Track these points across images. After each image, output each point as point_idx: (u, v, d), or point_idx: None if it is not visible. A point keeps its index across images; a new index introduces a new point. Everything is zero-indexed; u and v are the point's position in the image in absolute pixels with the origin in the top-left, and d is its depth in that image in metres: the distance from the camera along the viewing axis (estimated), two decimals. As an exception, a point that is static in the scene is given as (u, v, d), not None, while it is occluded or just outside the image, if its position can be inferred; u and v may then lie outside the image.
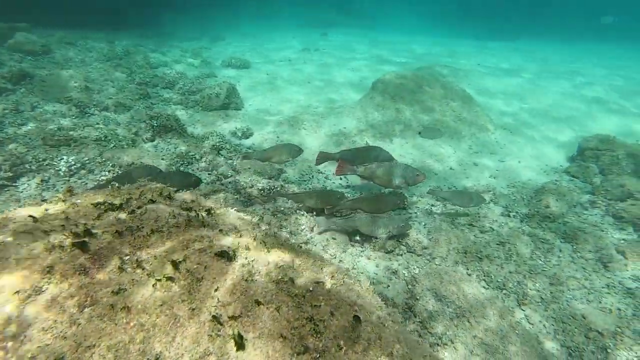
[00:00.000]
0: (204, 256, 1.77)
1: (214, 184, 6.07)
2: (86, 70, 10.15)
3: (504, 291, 4.83)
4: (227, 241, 1.93)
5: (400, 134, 8.25)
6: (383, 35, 26.58)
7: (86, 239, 1.87)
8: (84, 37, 13.33)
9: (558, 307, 4.70)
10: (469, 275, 4.85)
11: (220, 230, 2.04)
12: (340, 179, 6.78)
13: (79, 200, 2.35)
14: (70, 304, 1.55)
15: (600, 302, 4.84)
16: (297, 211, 5.53)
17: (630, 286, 5.09)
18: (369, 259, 4.92)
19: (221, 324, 1.51)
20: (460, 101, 9.28)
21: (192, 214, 2.14)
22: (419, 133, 7.27)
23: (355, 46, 20.05)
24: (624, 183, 6.93)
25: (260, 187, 5.86)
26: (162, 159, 6.61)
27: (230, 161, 6.70)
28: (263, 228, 2.28)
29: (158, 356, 1.42)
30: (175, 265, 1.72)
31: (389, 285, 4.54)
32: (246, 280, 1.68)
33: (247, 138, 7.93)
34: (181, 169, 6.49)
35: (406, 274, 4.68)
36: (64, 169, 6.05)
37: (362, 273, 4.66)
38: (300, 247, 2.31)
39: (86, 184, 5.93)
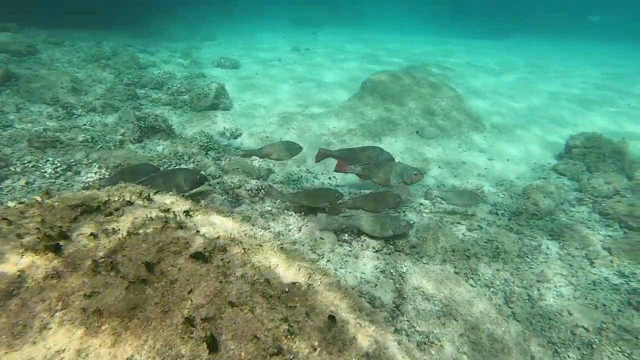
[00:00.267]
0: (179, 258, 1.75)
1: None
2: (73, 70, 10.05)
3: (492, 289, 4.85)
4: (204, 242, 1.91)
5: (389, 133, 8.26)
6: (374, 35, 26.64)
7: (60, 242, 1.84)
8: (71, 37, 13.20)
9: (545, 304, 4.73)
10: (457, 273, 4.87)
11: (198, 232, 2.02)
12: (329, 178, 6.77)
13: (56, 203, 2.32)
14: (41, 309, 1.52)
15: (586, 299, 4.88)
16: (286, 211, 5.52)
17: (615, 282, 5.14)
18: (357, 258, 4.91)
19: (194, 326, 1.49)
20: (450, 100, 9.32)
21: (170, 215, 2.12)
22: (417, 132, 7.29)
23: (345, 46, 20.07)
24: (610, 180, 7.00)
25: (248, 188, 5.83)
26: (150, 160, 6.55)
27: (218, 162, 6.66)
28: (243, 229, 2.26)
29: (129, 359, 1.40)
30: (150, 267, 1.70)
31: (376, 285, 4.54)
32: (221, 281, 1.67)
33: (236, 138, 7.89)
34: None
35: (394, 273, 4.68)
36: (49, 171, 5.98)
37: (349, 273, 4.66)
38: (281, 247, 2.29)
39: (72, 185, 5.87)
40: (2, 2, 12.83)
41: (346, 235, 5.18)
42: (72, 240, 1.90)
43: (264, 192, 5.75)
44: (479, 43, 26.48)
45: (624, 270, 5.30)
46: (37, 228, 1.97)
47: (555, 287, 5.01)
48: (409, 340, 4.02)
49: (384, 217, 5.15)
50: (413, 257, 5.04)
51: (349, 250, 5.03)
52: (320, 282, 1.83)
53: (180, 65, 13.06)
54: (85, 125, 7.52)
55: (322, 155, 6.09)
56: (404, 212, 5.99)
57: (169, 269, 1.70)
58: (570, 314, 4.62)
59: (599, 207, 6.56)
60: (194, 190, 5.44)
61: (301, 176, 6.73)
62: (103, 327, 1.48)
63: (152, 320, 1.51)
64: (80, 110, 8.18)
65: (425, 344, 3.97)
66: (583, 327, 4.46)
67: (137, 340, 1.44)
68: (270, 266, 1.85)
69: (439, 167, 7.53)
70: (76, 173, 6.09)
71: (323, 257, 4.85)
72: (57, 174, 5.96)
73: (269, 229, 5.13)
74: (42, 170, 5.90)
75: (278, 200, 5.69)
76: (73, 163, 6.19)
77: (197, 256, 1.77)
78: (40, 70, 9.29)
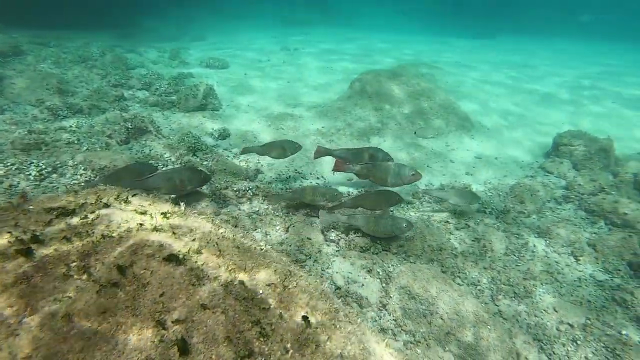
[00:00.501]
0: (152, 261, 1.73)
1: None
2: (60, 71, 9.94)
3: (478, 287, 4.88)
4: (179, 245, 1.89)
5: (378, 133, 8.27)
6: (365, 34, 26.67)
7: (32, 246, 1.81)
8: (58, 37, 13.05)
9: (531, 301, 4.77)
10: (444, 272, 4.88)
11: (174, 234, 2.00)
12: (318, 178, 6.77)
13: (31, 206, 2.29)
14: (8, 314, 1.50)
15: (572, 296, 4.92)
16: (273, 212, 5.50)
17: (600, 279, 5.19)
18: (344, 257, 4.91)
19: (165, 329, 1.48)
20: (438, 99, 9.35)
21: (146, 218, 2.10)
22: (415, 133, 7.32)
23: (336, 46, 20.06)
24: (596, 177, 7.07)
25: (235, 189, 5.81)
26: (137, 161, 6.49)
27: (205, 162, 6.62)
28: (221, 231, 2.24)
29: (97, 365, 1.38)
30: (122, 270, 1.68)
31: (363, 284, 4.54)
32: (194, 284, 1.65)
33: (224, 139, 7.85)
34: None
35: (381, 273, 4.68)
36: (34, 173, 5.90)
37: (337, 272, 4.65)
38: (262, 249, 2.28)
39: (57, 188, 5.80)
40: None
41: (333, 235, 5.17)
42: (44, 244, 1.87)
43: (251, 193, 5.73)
44: (470, 42, 26.62)
45: (608, 267, 5.36)
46: (9, 232, 1.94)
47: (542, 284, 5.04)
48: (395, 340, 4.03)
49: (384, 216, 5.17)
50: (400, 256, 5.04)
51: (336, 250, 5.03)
52: (296, 284, 1.82)
53: (169, 65, 12.98)
54: (71, 126, 7.43)
55: (321, 153, 6.16)
56: (392, 211, 5.99)
57: (142, 272, 1.68)
58: (556, 311, 4.65)
59: (585, 205, 6.62)
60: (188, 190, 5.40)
61: (289, 176, 6.71)
62: (72, 332, 1.46)
63: (123, 325, 1.49)
64: (66, 111, 8.08)
65: (411, 342, 3.98)
66: (568, 323, 4.50)
67: (107, 345, 1.42)
68: (245, 268, 1.84)
69: (427, 166, 7.55)
70: (61, 175, 6.01)
71: (310, 257, 4.84)
72: (42, 177, 5.88)
73: (256, 229, 5.11)
74: (27, 173, 5.82)
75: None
76: (58, 165, 6.11)
77: (171, 259, 1.75)
78: (26, 71, 9.17)
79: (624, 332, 4.38)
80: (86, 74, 10.09)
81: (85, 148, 6.69)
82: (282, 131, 8.17)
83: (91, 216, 2.09)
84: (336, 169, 5.98)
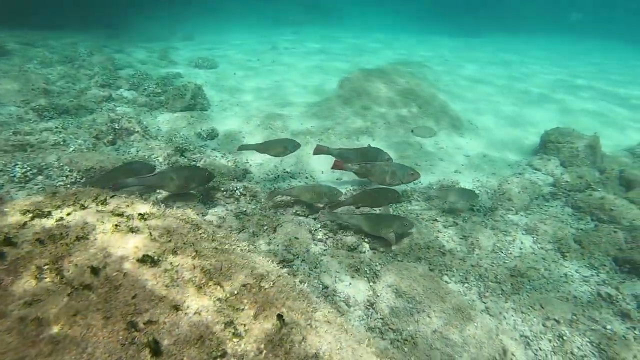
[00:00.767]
0: (126, 263, 1.71)
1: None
2: (46, 72, 9.82)
3: (466, 285, 4.89)
4: (154, 246, 1.87)
5: (366, 131, 8.28)
6: (355, 33, 26.67)
7: (4, 249, 1.79)
8: (45, 37, 12.90)
9: (518, 298, 4.79)
10: (431, 270, 4.89)
11: (150, 235, 1.98)
12: (306, 177, 6.76)
13: (6, 209, 2.25)
14: (-24, 319, 1.47)
15: (558, 291, 4.96)
16: (261, 212, 5.48)
17: (585, 274, 5.23)
18: (332, 257, 4.90)
19: (138, 331, 1.46)
20: (426, 97, 9.38)
21: (123, 219, 2.08)
22: (412, 131, 7.35)
23: (325, 45, 20.04)
24: (583, 174, 7.13)
25: (223, 189, 5.78)
26: (123, 163, 6.44)
27: (193, 163, 6.58)
28: (200, 232, 2.23)
29: (67, 369, 1.36)
30: (95, 272, 1.66)
31: (350, 283, 4.54)
32: (167, 285, 1.63)
33: (212, 139, 7.82)
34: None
35: (368, 271, 4.68)
36: (19, 174, 5.83)
37: (324, 272, 4.64)
38: (241, 249, 2.27)
39: (43, 190, 5.74)
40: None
41: (321, 234, 5.17)
42: (17, 246, 1.84)
43: (239, 193, 5.71)
44: (459, 41, 26.74)
45: (594, 263, 5.40)
46: (-18, 235, 1.91)
47: (529, 280, 5.07)
48: (382, 338, 4.03)
49: (387, 216, 5.19)
50: (388, 254, 5.05)
51: (324, 250, 5.02)
52: (273, 284, 1.81)
53: (158, 65, 12.88)
54: (57, 127, 7.35)
55: (320, 150, 6.21)
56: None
57: (114, 274, 1.66)
58: (543, 307, 4.68)
59: (572, 201, 6.67)
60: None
61: (278, 175, 6.69)
62: (41, 336, 1.44)
63: (93, 327, 1.47)
64: (52, 112, 7.99)
65: (398, 341, 3.98)
66: (554, 319, 4.52)
67: (76, 349, 1.40)
68: (221, 269, 1.82)
69: (416, 165, 7.56)
70: (47, 177, 5.95)
71: (298, 257, 4.83)
72: (27, 178, 5.82)
73: (243, 230, 5.09)
74: (11, 175, 5.75)
75: (252, 201, 5.65)
76: (44, 167, 6.05)
77: (145, 260, 1.73)
78: (11, 71, 9.06)
79: (608, 326, 4.42)
80: (73, 74, 9.98)
81: (71, 149, 6.63)
82: (270, 131, 8.14)
83: (67, 218, 2.06)
84: (335, 167, 6.01)
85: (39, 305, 1.55)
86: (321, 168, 7.06)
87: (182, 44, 17.44)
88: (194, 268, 1.77)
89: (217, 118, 8.71)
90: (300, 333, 1.60)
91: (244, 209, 5.50)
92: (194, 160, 6.67)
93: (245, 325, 1.54)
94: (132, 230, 1.98)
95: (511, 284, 4.96)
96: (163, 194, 5.69)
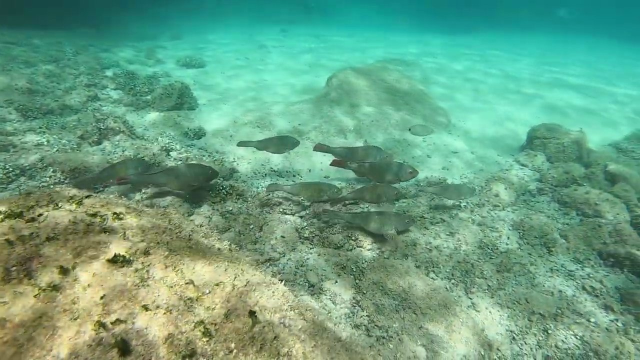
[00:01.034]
0: (95, 263, 1.68)
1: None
2: (30, 72, 9.68)
3: (452, 281, 4.91)
4: (126, 246, 1.84)
5: (354, 129, 8.27)
6: (344, 31, 26.65)
7: (-29, 251, 1.75)
8: (29, 36, 12.72)
9: (504, 293, 4.82)
10: (418, 267, 4.90)
11: (123, 235, 1.95)
12: (294, 175, 6.74)
13: (-23, 210, 2.20)
14: (-63, 323, 1.43)
15: (544, 286, 4.99)
16: (247, 210, 5.45)
17: (571, 268, 5.28)
18: (319, 255, 4.89)
19: (105, 331, 1.43)
20: (414, 94, 9.40)
21: (96, 219, 2.04)
22: (409, 129, 7.36)
23: (314, 44, 20.00)
24: (569, 169, 7.19)
25: (209, 189, 5.74)
26: (108, 163, 6.36)
27: (180, 162, 6.53)
28: (177, 231, 2.20)
29: (31, 372, 1.33)
30: (64, 273, 1.63)
31: (337, 281, 4.53)
32: (137, 285, 1.61)
33: (200, 138, 7.76)
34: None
35: (354, 269, 4.68)
36: (0, 175, 5.74)
37: (311, 270, 4.63)
38: (218, 248, 2.24)
39: (33, 192, 5.64)
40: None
41: (307, 232, 5.15)
42: (-15, 248, 1.80)
43: (225, 192, 5.67)
44: (447, 38, 26.83)
45: (579, 257, 5.45)
46: (-51, 237, 1.86)
47: (515, 276, 5.10)
48: (368, 335, 4.02)
49: (387, 214, 5.20)
50: (374, 252, 5.05)
51: (311, 248, 5.01)
52: (247, 282, 1.79)
53: (145, 64, 12.77)
54: (41, 127, 7.25)
55: (319, 149, 6.23)
56: (367, 207, 6.00)
57: (84, 274, 1.63)
58: (528, 302, 4.71)
59: (558, 196, 6.73)
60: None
61: (265, 174, 6.66)
62: (5, 339, 1.41)
63: (60, 329, 1.44)
64: (36, 112, 7.88)
65: (384, 338, 3.98)
66: (540, 313, 4.56)
67: (40, 351, 1.37)
68: (194, 267, 1.80)
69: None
70: (30, 177, 5.87)
71: (284, 255, 4.81)
72: (9, 179, 5.73)
73: (229, 229, 5.06)
74: (-7, 176, 5.66)
75: (239, 200, 5.62)
76: (27, 167, 5.96)
77: (115, 260, 1.70)
78: (-6, 72, 8.91)
79: (592, 319, 4.46)
80: (58, 74, 9.84)
81: (55, 149, 6.54)
82: (258, 129, 8.11)
83: (39, 219, 2.02)
84: (334, 165, 6.08)
85: (3, 307, 1.52)
86: (308, 166, 7.04)
87: (170, 43, 17.29)
88: (166, 267, 1.75)
89: (205, 117, 8.65)
90: (273, 331, 1.58)
91: (230, 208, 5.46)
92: (180, 160, 6.61)
93: (216, 324, 1.52)
94: (105, 230, 1.95)
95: (497, 279, 4.98)
96: (149, 192, 5.64)
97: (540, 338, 4.29)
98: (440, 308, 4.27)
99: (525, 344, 4.26)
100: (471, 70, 15.54)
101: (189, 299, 1.60)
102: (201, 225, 3.63)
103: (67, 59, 11.21)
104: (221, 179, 6.16)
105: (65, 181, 5.79)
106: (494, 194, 6.64)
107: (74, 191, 2.48)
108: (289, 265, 4.68)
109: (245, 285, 1.78)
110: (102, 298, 1.54)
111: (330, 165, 6.09)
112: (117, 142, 7.11)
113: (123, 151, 6.84)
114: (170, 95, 8.83)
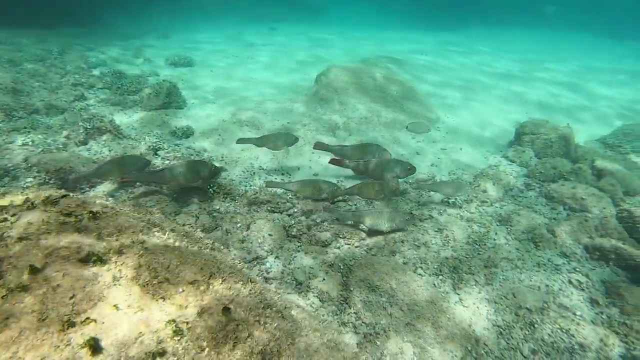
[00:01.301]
0: (67, 263, 1.65)
1: (149, 185, 5.85)
2: (15, 71, 9.55)
3: (440, 277, 4.91)
4: (99, 246, 1.82)
5: (343, 126, 8.26)
6: (332, 29, 26.61)
7: (-61, 253, 1.71)
8: (14, 35, 12.55)
9: (491, 289, 4.84)
10: (405, 264, 4.91)
11: (98, 235, 1.92)
12: (282, 174, 6.71)
13: (-50, 211, 2.16)
14: None
15: (531, 281, 5.02)
16: (234, 209, 5.42)
17: (557, 263, 5.31)
18: (306, 253, 4.88)
19: (74, 332, 1.41)
20: (403, 92, 9.41)
21: (71, 219, 2.01)
22: (406, 127, 7.38)
23: (302, 41, 19.95)
24: (556, 165, 7.24)
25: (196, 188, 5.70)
26: (95, 163, 6.30)
27: (167, 162, 6.48)
28: (154, 230, 2.17)
29: (-3, 375, 1.30)
30: (34, 272, 1.60)
31: (324, 279, 4.52)
32: (108, 286, 1.58)
33: (188, 137, 7.70)
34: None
35: (342, 267, 4.67)
36: (-18, 176, 5.67)
37: (298, 268, 4.62)
38: (199, 247, 2.22)
39: (10, 192, 5.56)
40: None
41: (295, 230, 5.13)
42: (-46, 249, 1.77)
43: (212, 191, 5.64)
44: (438, 36, 26.90)
45: (565, 251, 5.49)
46: None
47: (502, 271, 5.12)
48: (356, 333, 4.02)
49: (387, 211, 5.23)
50: (362, 249, 5.04)
51: (298, 246, 4.99)
52: (222, 281, 1.77)
53: (132, 63, 12.65)
54: (25, 128, 7.15)
55: (318, 147, 6.35)
56: (355, 204, 5.99)
57: (54, 274, 1.60)
58: (515, 297, 4.73)
59: (545, 191, 6.77)
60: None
61: (254, 173, 6.63)
62: (-30, 342, 1.37)
63: (26, 330, 1.41)
64: (21, 112, 7.77)
65: (371, 334, 3.98)
66: (526, 308, 4.58)
67: (5, 353, 1.34)
68: (169, 266, 1.78)
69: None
70: (14, 178, 5.79)
71: (272, 254, 4.80)
72: (-7, 181, 5.66)
73: (216, 228, 5.03)
74: (-25, 177, 5.58)
75: (227, 198, 5.59)
76: (11, 168, 5.88)
77: (87, 260, 1.67)
78: (-23, 72, 8.78)
79: (578, 313, 4.50)
80: (44, 73, 9.72)
81: (40, 150, 6.46)
82: (246, 128, 8.07)
83: (11, 219, 1.99)
84: (333, 163, 6.17)
85: (-29, 309, 1.48)
86: (297, 164, 7.02)
87: (158, 42, 17.14)
88: (140, 267, 1.72)
89: (193, 116, 8.59)
90: (247, 330, 1.56)
91: (218, 207, 5.43)
92: (167, 159, 6.56)
93: (188, 323, 1.50)
94: (79, 230, 1.92)
95: (485, 275, 5.00)
96: (136, 191, 5.60)
97: (527, 332, 4.32)
98: (428, 304, 4.28)
99: (512, 338, 4.28)
100: (460, 67, 15.59)
101: (161, 297, 1.58)
102: (184, 225, 3.61)
103: (53, 58, 11.07)
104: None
105: (50, 181, 5.72)
106: (482, 190, 6.66)
107: (51, 191, 2.45)
108: (276, 264, 4.67)
109: (222, 283, 1.76)
110: (71, 298, 1.51)
111: (329, 163, 6.17)
112: (103, 142, 7.03)
113: (110, 151, 6.77)
114: (158, 94, 8.75)
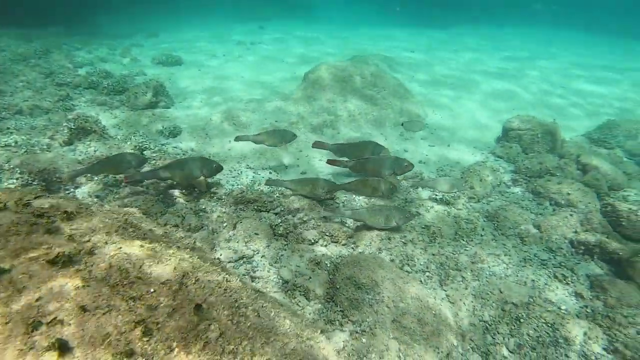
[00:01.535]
0: (34, 264, 1.62)
1: (134, 186, 5.80)
2: (-2, 71, 9.42)
3: (427, 273, 4.93)
4: (70, 247, 1.78)
5: (331, 125, 8.25)
6: (323, 27, 26.57)
7: None
8: (-3, 35, 12.38)
9: (478, 284, 4.86)
10: (392, 261, 4.91)
11: (70, 236, 1.89)
12: (270, 172, 6.69)
13: None
14: None
15: (517, 276, 5.05)
16: (221, 209, 5.39)
17: (543, 258, 5.35)
18: (293, 252, 4.86)
19: (39, 334, 1.38)
20: (392, 89, 9.41)
21: (42, 220, 1.97)
22: (402, 125, 7.38)
23: (291, 40, 19.88)
24: (542, 160, 7.29)
25: (182, 188, 5.66)
26: (80, 164, 6.23)
27: (153, 162, 6.42)
28: (130, 230, 2.14)
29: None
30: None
31: (310, 277, 4.50)
32: (77, 287, 1.56)
33: (175, 137, 7.64)
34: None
35: (328, 264, 4.67)
36: (-36, 179, 5.57)
37: (284, 267, 4.60)
38: (177, 247, 2.19)
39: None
40: None
41: (281, 229, 5.11)
42: None
43: (198, 190, 5.60)
44: (426, 33, 26.95)
45: (551, 246, 5.53)
46: None
47: (489, 267, 5.15)
48: (342, 330, 4.01)
49: (388, 208, 5.24)
50: (349, 247, 5.04)
51: (285, 245, 4.97)
52: (197, 280, 1.75)
53: (119, 63, 12.53)
54: (8, 129, 7.05)
55: (317, 146, 6.37)
56: (343, 203, 5.99)
57: (20, 276, 1.57)
58: (501, 292, 4.76)
59: (532, 187, 6.81)
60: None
61: (241, 172, 6.60)
62: None
63: (-10, 334, 1.38)
64: (4, 113, 7.67)
65: (357, 332, 3.97)
66: (512, 303, 4.61)
67: (-33, 359, 1.31)
68: (142, 266, 1.75)
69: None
70: (-4, 180, 5.70)
71: (258, 253, 4.77)
72: (-26, 182, 5.56)
73: (202, 228, 5.00)
74: (-44, 179, 5.49)
75: (214, 198, 5.56)
76: (-7, 169, 5.79)
77: (56, 261, 1.64)
78: (-41, 72, 8.64)
79: (563, 307, 4.53)
80: (28, 73, 9.59)
81: (23, 151, 6.38)
82: (234, 127, 8.02)
83: (-19, 221, 1.95)
84: (330, 164, 6.19)
85: None
86: (284, 163, 7.00)
87: (146, 41, 16.97)
88: (111, 267, 1.70)
89: (180, 115, 8.52)
90: (218, 329, 1.54)
91: (204, 207, 5.39)
92: (153, 159, 6.50)
93: (158, 323, 1.48)
94: (49, 231, 1.89)
95: (471, 270, 5.02)
96: (121, 192, 5.56)
97: (513, 327, 4.34)
98: (414, 301, 4.28)
99: (498, 333, 4.30)
100: (449, 65, 15.65)
101: (131, 298, 1.55)
102: (166, 224, 3.57)
103: (37, 57, 10.93)
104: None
105: (34, 182, 5.64)
106: (469, 186, 6.68)
107: (23, 193, 2.40)
108: (262, 263, 4.64)
109: (195, 282, 1.74)
110: (37, 300, 1.48)
111: (327, 164, 6.20)
112: (88, 142, 6.95)
113: (95, 151, 6.70)
114: (145, 93, 8.67)
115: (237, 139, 6.11)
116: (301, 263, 4.69)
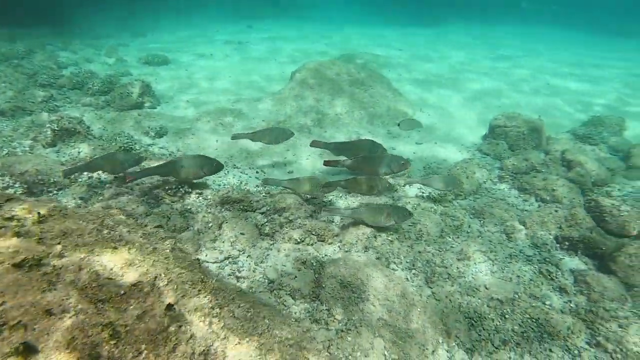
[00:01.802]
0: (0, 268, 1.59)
1: (119, 187, 5.73)
2: (-21, 72, 9.26)
3: (413, 271, 4.94)
4: (39, 250, 1.75)
5: (318, 124, 8.24)
6: (311, 26, 26.54)
7: None
8: (-21, 36, 12.17)
9: (464, 281, 4.88)
10: (378, 259, 4.91)
11: (40, 239, 1.85)
12: (257, 172, 6.66)
13: None
14: None
15: (503, 272, 5.08)
16: (206, 209, 5.35)
17: (529, 254, 5.39)
18: (279, 251, 4.84)
19: (3, 338, 1.35)
20: (379, 87, 9.42)
21: (12, 224, 1.93)
22: (398, 125, 7.39)
23: (280, 39, 19.83)
24: (528, 157, 7.34)
25: (167, 187, 5.60)
26: (63, 165, 6.14)
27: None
28: (105, 232, 2.11)
29: None
30: (-36, 281, 1.53)
31: (296, 277, 4.49)
32: (43, 290, 1.53)
33: (161, 137, 7.58)
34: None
35: (314, 263, 4.65)
36: (-57, 182, 5.47)
37: (270, 266, 4.58)
38: (153, 248, 2.16)
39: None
40: None
41: (267, 228, 5.09)
42: None
43: (183, 191, 5.55)
44: (413, 30, 27.04)
45: (536, 242, 5.57)
46: None
47: (475, 263, 5.17)
48: (328, 329, 4.00)
49: (386, 206, 5.23)
50: (335, 245, 5.03)
51: (271, 244, 4.95)
52: (168, 281, 1.72)
53: (105, 63, 12.39)
54: (-10, 131, 6.94)
55: (315, 145, 6.38)
56: (330, 201, 5.98)
57: (-17, 281, 1.53)
58: (487, 289, 4.79)
59: (518, 183, 6.86)
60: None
61: (228, 171, 6.56)
62: None
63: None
64: (-15, 114, 7.55)
65: (342, 330, 3.97)
66: (498, 299, 4.63)
67: None
68: (112, 269, 1.72)
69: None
70: (-24, 183, 5.60)
71: (244, 252, 4.74)
72: (-47, 186, 5.46)
73: (187, 228, 4.95)
74: None
75: (199, 199, 5.52)
76: (-28, 172, 5.69)
77: (22, 264, 1.61)
78: (-61, 73, 8.48)
79: (547, 302, 4.57)
80: (10, 74, 9.44)
81: (4, 152, 6.28)
82: (221, 127, 7.98)
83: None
84: (327, 165, 6.19)
85: None
86: (271, 162, 6.98)
87: (133, 40, 16.80)
88: (80, 270, 1.67)
89: (167, 116, 8.45)
90: (189, 331, 1.52)
91: (189, 207, 5.35)
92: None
93: (127, 325, 1.45)
94: (18, 234, 1.85)
95: (458, 267, 5.04)
96: (105, 194, 5.49)
97: (498, 323, 4.36)
98: (399, 298, 4.29)
99: (484, 329, 4.32)
100: (438, 63, 15.72)
101: (99, 300, 1.53)
102: (146, 225, 3.54)
103: (20, 58, 10.78)
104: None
105: (16, 185, 5.56)
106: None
107: (-2, 194, 2.35)
108: (248, 263, 4.62)
109: (167, 284, 1.71)
110: (1, 305, 1.45)
111: (324, 165, 6.19)
112: (72, 144, 6.87)
113: (79, 152, 6.62)
114: (131, 93, 8.59)
115: (234, 137, 6.09)
116: (287, 262, 4.67)
